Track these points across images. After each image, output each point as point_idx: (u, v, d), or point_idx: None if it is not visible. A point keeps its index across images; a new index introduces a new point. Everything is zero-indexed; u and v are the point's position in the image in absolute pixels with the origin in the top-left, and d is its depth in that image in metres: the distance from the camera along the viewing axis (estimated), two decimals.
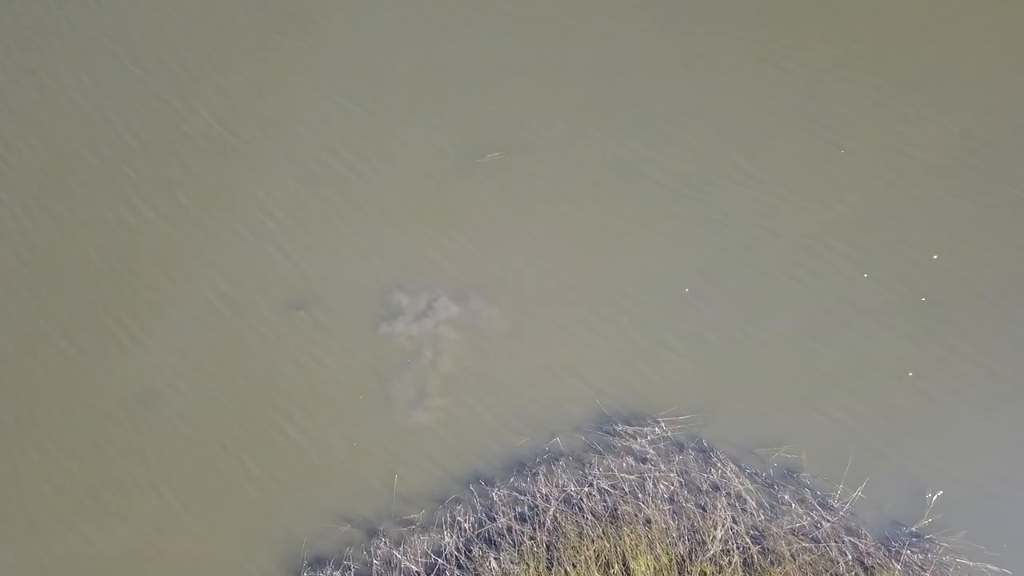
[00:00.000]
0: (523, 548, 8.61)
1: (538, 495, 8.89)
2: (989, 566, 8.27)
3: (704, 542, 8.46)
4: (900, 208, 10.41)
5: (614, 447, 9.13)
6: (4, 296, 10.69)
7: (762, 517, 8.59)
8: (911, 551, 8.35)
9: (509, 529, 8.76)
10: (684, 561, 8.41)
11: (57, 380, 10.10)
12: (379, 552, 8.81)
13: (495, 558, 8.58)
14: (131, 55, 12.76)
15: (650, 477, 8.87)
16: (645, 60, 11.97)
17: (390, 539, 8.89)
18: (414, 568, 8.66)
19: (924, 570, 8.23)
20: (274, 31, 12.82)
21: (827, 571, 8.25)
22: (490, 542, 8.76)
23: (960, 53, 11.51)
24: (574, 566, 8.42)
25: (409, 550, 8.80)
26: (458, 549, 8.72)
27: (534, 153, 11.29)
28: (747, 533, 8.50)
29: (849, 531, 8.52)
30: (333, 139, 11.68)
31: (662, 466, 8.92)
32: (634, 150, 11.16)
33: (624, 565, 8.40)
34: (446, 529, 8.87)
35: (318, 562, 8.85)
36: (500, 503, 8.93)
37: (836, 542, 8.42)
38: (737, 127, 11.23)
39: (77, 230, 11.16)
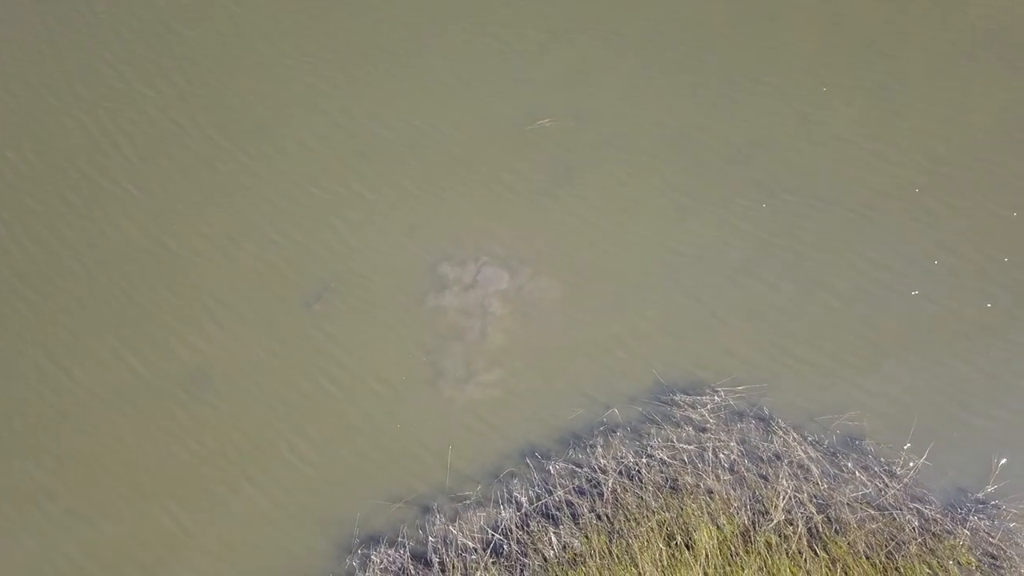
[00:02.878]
0: (583, 521, 8.45)
1: (596, 467, 8.73)
2: None
3: (767, 511, 8.31)
4: (963, 172, 10.22)
5: (672, 417, 8.97)
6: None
7: (825, 485, 8.44)
8: (978, 517, 8.22)
9: (568, 502, 8.61)
10: (748, 531, 8.26)
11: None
12: (434, 529, 8.65)
13: (554, 532, 8.42)
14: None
15: (710, 446, 8.71)
16: (697, 25, 11.77)
17: (445, 515, 8.73)
18: (471, 544, 8.50)
19: (992, 536, 8.09)
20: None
21: (893, 539, 8.11)
22: (548, 516, 8.60)
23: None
24: (636, 538, 8.27)
25: (465, 526, 8.64)
26: (516, 524, 8.56)
27: (584, 121, 11.08)
28: (811, 502, 8.35)
29: (914, 498, 8.37)
30: (373, 111, 11.48)
31: (722, 435, 8.76)
32: (687, 117, 10.97)
33: (687, 536, 8.25)
34: (503, 504, 8.71)
35: (371, 540, 8.68)
36: (557, 476, 8.76)
37: (902, 509, 8.28)
38: (794, 91, 11.04)
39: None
